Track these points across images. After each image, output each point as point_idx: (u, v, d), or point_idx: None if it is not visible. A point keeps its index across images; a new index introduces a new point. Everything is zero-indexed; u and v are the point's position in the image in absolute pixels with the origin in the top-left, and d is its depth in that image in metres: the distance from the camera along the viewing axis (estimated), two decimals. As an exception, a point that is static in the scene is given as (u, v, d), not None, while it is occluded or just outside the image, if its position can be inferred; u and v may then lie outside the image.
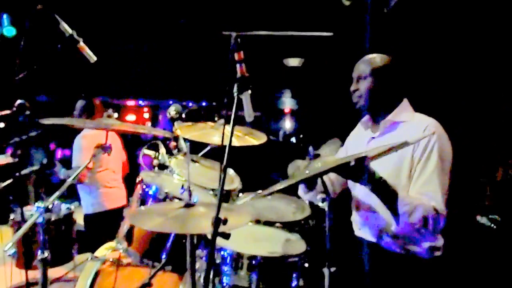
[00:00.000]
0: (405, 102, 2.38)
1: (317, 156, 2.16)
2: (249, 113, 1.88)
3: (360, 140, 2.52)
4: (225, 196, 2.86)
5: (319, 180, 2.13)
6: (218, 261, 2.38)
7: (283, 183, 1.93)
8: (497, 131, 4.07)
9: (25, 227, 2.17)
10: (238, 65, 1.82)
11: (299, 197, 2.98)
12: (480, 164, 4.15)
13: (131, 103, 10.26)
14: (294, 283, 2.36)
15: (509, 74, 3.83)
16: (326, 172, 1.97)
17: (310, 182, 2.45)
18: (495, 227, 3.75)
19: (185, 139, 2.98)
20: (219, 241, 1.69)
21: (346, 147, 2.66)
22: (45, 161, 4.14)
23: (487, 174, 4.23)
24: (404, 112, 2.34)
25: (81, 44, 2.42)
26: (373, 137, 2.41)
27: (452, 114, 3.52)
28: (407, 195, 2.13)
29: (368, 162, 1.97)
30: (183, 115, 3.12)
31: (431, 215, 2.07)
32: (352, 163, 1.93)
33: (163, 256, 2.51)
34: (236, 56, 1.82)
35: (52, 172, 4.24)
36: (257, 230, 2.71)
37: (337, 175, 2.40)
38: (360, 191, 2.44)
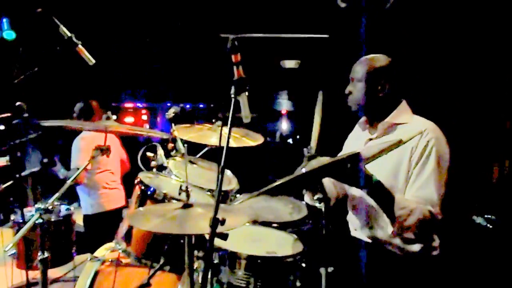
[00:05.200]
0: (404, 104, 2.38)
1: (312, 157, 2.17)
2: (246, 115, 1.90)
3: (358, 142, 2.53)
4: (222, 197, 2.88)
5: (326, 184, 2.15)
6: (216, 261, 2.40)
7: (279, 181, 1.95)
8: (493, 131, 4.09)
9: (25, 228, 2.19)
10: (235, 67, 1.84)
11: (296, 198, 3.01)
12: (476, 164, 4.17)
13: (129, 105, 10.27)
14: (291, 283, 2.38)
15: (505, 74, 3.86)
16: (320, 172, 1.98)
17: (311, 185, 2.44)
18: (491, 227, 3.77)
19: (182, 141, 3.01)
20: (217, 242, 1.71)
21: (345, 149, 2.68)
22: (45, 160, 4.15)
23: (483, 174, 4.25)
24: (403, 114, 2.35)
25: (80, 47, 2.44)
26: (371, 139, 2.43)
27: (449, 114, 3.54)
28: (403, 199, 2.14)
29: (363, 163, 1.98)
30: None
31: (426, 219, 2.08)
32: (349, 165, 1.95)
33: (162, 257, 2.54)
34: (233, 58, 1.84)
35: (52, 172, 4.25)
36: (255, 231, 2.73)
37: None
38: (356, 192, 2.46)
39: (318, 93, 2.30)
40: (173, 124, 3.09)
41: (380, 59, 2.36)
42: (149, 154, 3.04)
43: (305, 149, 2.21)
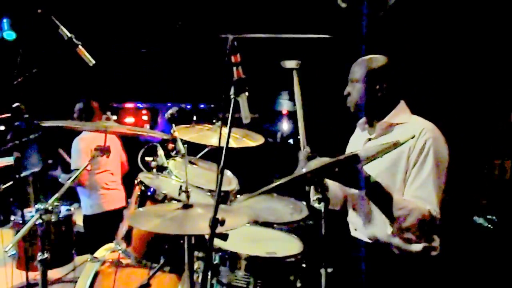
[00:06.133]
0: (402, 104, 2.39)
1: (312, 157, 2.17)
2: (245, 115, 1.90)
3: (358, 142, 2.54)
4: (222, 198, 2.88)
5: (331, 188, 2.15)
6: (216, 261, 2.40)
7: (278, 181, 1.95)
8: (494, 131, 4.09)
9: (25, 229, 2.19)
10: (234, 68, 1.84)
11: (296, 198, 3.01)
12: (477, 165, 4.17)
13: (129, 105, 10.26)
14: (291, 284, 2.38)
15: (504, 74, 3.86)
16: (319, 172, 1.98)
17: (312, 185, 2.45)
18: (492, 227, 3.77)
19: (182, 141, 3.01)
20: (217, 242, 1.71)
21: (347, 151, 2.68)
22: (50, 161, 4.16)
23: (484, 174, 4.24)
24: (401, 114, 2.35)
25: (80, 47, 2.44)
26: (370, 139, 2.43)
27: (449, 114, 3.54)
28: (402, 199, 2.14)
29: (360, 164, 1.98)
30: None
31: (425, 219, 2.09)
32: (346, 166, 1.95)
33: (162, 257, 2.54)
34: (232, 59, 1.84)
35: (52, 176, 4.25)
36: (255, 231, 2.73)
37: None
38: (355, 193, 2.46)
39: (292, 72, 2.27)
40: (173, 125, 3.09)
41: (378, 60, 2.36)
42: (147, 158, 3.03)
43: (305, 149, 2.21)
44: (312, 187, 2.45)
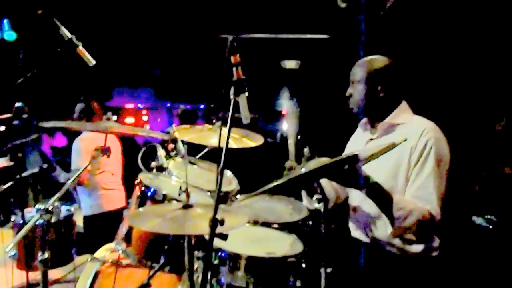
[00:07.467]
0: (404, 104, 2.39)
1: (311, 157, 2.18)
2: (245, 115, 1.90)
3: (359, 142, 2.54)
4: (222, 198, 2.88)
5: (324, 186, 2.15)
6: (215, 261, 2.40)
7: (277, 181, 1.95)
8: (493, 131, 4.09)
9: (25, 229, 2.19)
10: (234, 68, 1.84)
11: (296, 198, 3.01)
12: (476, 164, 4.16)
13: (129, 105, 10.28)
14: (291, 284, 2.38)
15: (505, 73, 3.86)
16: (318, 172, 1.98)
17: (308, 186, 2.46)
18: (491, 227, 3.77)
19: (183, 141, 3.01)
20: (217, 242, 1.71)
21: (347, 150, 2.68)
22: (45, 166, 4.16)
23: (483, 174, 4.24)
24: (403, 115, 2.35)
25: (80, 48, 2.45)
26: (372, 139, 2.43)
27: (449, 115, 3.54)
28: (402, 199, 2.14)
29: (359, 165, 1.99)
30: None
31: (425, 219, 2.08)
32: (346, 167, 1.96)
33: (162, 257, 2.54)
34: (232, 59, 1.84)
35: (52, 177, 4.25)
36: (255, 231, 2.73)
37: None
38: (357, 192, 2.46)
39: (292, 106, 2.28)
40: (173, 125, 3.09)
41: (379, 60, 2.36)
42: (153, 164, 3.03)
43: (305, 149, 2.21)
44: (303, 191, 2.48)
